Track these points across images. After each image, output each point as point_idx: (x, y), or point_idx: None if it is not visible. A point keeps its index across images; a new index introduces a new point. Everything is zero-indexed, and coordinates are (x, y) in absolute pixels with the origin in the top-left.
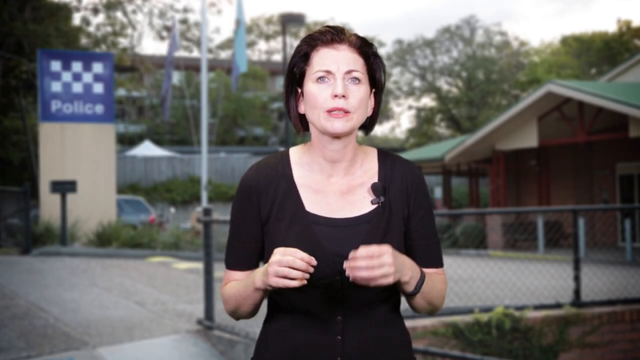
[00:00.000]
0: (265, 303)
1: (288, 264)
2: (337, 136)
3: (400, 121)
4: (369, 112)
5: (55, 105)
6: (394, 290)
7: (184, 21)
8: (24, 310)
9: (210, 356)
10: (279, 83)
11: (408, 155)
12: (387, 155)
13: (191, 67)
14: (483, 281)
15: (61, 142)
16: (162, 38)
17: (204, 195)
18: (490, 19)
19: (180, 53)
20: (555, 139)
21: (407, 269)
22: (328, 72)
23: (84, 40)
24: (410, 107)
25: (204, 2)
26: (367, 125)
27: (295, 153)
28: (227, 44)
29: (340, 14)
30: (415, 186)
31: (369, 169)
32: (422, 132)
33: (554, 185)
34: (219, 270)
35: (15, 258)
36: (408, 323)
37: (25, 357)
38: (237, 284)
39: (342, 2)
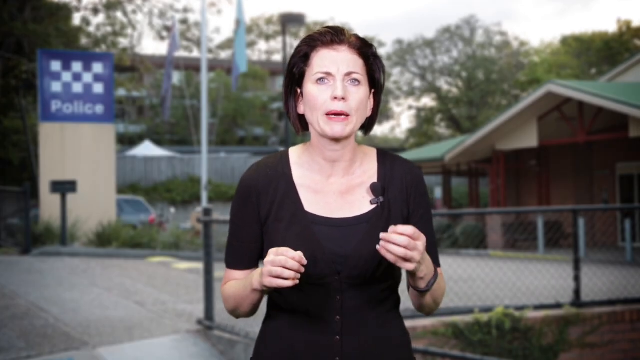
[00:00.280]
0: (264, 302)
1: (281, 264)
2: (336, 139)
3: (400, 121)
4: (369, 113)
5: (55, 105)
6: (394, 290)
7: (184, 21)
8: (24, 310)
9: (210, 356)
10: (279, 83)
11: (408, 155)
12: (387, 156)
13: (191, 67)
14: (483, 281)
15: (61, 142)
16: (162, 38)
17: (204, 195)
18: (490, 19)
19: (180, 53)
20: (555, 139)
21: (424, 265)
22: (328, 73)
23: (84, 40)
24: (410, 107)
25: (204, 2)
26: (367, 126)
27: (295, 153)
28: (227, 44)
29: (340, 14)
30: (415, 186)
31: (368, 169)
32: (422, 132)
33: (554, 185)
34: (219, 270)
35: (15, 258)
36: (408, 323)
37: (25, 357)
38: (236, 283)
39: (342, 2)
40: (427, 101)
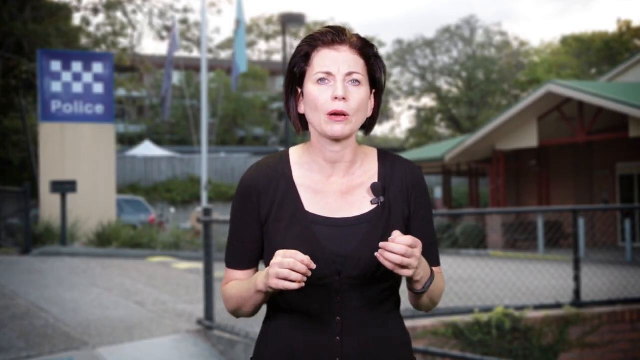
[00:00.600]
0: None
1: (289, 266)
2: (336, 139)
3: (400, 121)
4: (369, 113)
5: (55, 105)
6: (394, 291)
7: (184, 21)
8: (24, 310)
9: (210, 356)
10: (279, 83)
11: (408, 155)
12: (387, 156)
13: (191, 67)
14: (483, 281)
15: (61, 142)
16: (162, 38)
17: (204, 195)
18: (490, 19)
19: (180, 53)
20: (555, 139)
21: (420, 269)
22: (328, 73)
23: (84, 40)
24: (410, 107)
25: (204, 2)
26: (367, 126)
27: (295, 153)
28: (227, 44)
29: (340, 14)
30: (416, 186)
31: (368, 169)
32: (422, 132)
33: (554, 185)
34: (219, 270)
35: (15, 258)
36: (408, 323)
37: (25, 357)
38: (238, 284)
39: (342, 2)
40: (427, 101)
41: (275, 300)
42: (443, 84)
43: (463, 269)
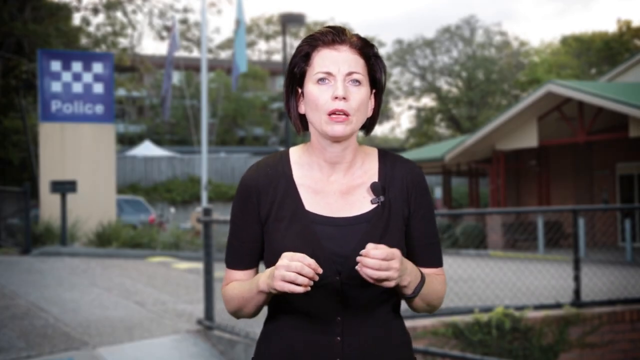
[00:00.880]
0: None
1: (296, 270)
2: (336, 140)
3: (400, 121)
4: (369, 113)
5: (55, 105)
6: (394, 291)
7: (184, 21)
8: (24, 310)
9: (210, 356)
10: (279, 83)
11: (408, 155)
12: (388, 155)
13: (191, 67)
14: (483, 281)
15: (61, 142)
16: (162, 38)
17: (204, 195)
18: (490, 19)
19: (180, 53)
20: (555, 139)
21: (406, 275)
22: (329, 73)
23: (84, 40)
24: (410, 107)
25: (204, 2)
26: (368, 126)
27: (295, 153)
28: (227, 44)
29: (340, 14)
30: (416, 186)
31: (369, 169)
32: (422, 132)
33: (554, 185)
34: (219, 270)
35: (15, 258)
36: (408, 323)
37: (25, 357)
38: (240, 284)
39: (342, 2)
40: (427, 101)
41: (276, 300)
42: (443, 84)
43: (463, 269)
